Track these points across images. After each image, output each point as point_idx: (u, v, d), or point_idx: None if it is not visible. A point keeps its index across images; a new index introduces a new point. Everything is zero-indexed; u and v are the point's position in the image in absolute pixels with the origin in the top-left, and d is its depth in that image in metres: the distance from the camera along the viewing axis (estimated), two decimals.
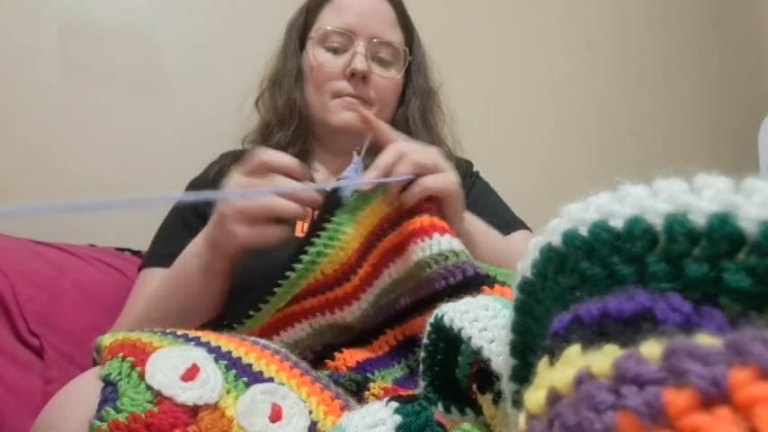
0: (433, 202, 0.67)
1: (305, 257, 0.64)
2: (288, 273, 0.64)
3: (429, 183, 0.65)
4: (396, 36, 0.94)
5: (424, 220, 0.66)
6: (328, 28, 0.91)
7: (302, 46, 0.97)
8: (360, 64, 0.88)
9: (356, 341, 0.70)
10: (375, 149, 0.68)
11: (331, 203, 0.65)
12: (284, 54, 0.99)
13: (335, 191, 0.65)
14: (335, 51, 0.91)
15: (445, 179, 0.67)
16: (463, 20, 1.46)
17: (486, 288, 0.60)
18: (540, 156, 1.51)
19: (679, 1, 1.76)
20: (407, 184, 0.66)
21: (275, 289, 0.64)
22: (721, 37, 1.80)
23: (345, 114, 0.90)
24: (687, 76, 1.73)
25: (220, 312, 0.68)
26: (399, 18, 0.96)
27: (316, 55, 0.92)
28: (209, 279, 0.69)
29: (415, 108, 0.97)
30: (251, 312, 0.64)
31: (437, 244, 0.64)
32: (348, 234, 0.66)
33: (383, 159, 0.65)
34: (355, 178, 0.65)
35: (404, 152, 0.65)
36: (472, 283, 0.61)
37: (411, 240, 0.66)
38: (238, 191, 0.64)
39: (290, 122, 0.94)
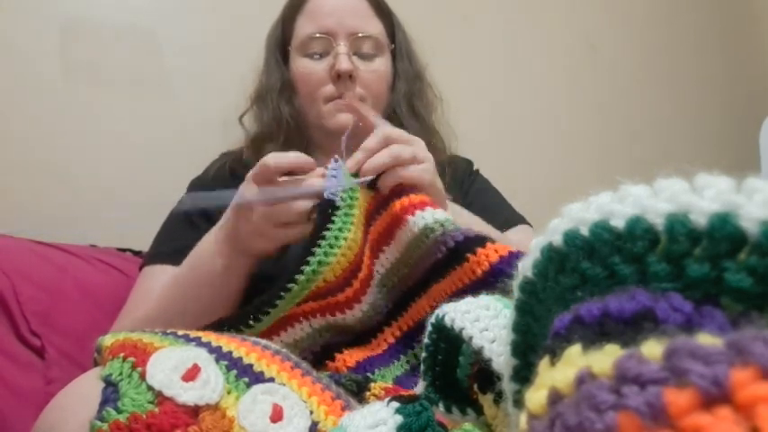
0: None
1: (306, 268, 0.63)
2: (290, 284, 0.63)
3: (402, 173, 0.68)
4: (374, 26, 0.93)
5: (403, 201, 0.67)
6: (306, 35, 0.90)
7: (285, 59, 0.96)
8: (344, 64, 0.87)
9: (355, 340, 0.70)
10: (362, 137, 0.70)
11: (324, 209, 0.65)
12: (267, 68, 0.98)
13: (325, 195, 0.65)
14: (319, 56, 0.90)
15: (418, 172, 0.68)
16: (464, 19, 1.46)
17: (470, 255, 0.61)
18: (541, 155, 1.51)
19: (681, 1, 1.76)
20: (383, 173, 0.67)
21: (277, 301, 0.64)
22: (722, 37, 1.80)
23: (341, 117, 0.89)
24: (688, 77, 1.73)
25: (221, 318, 0.68)
26: (374, 6, 0.94)
27: (299, 65, 0.92)
28: (233, 278, 0.71)
29: (401, 94, 0.96)
30: (251, 323, 0.64)
31: (421, 219, 0.64)
32: (350, 238, 0.65)
33: (369, 142, 0.68)
34: (337, 180, 0.65)
35: (388, 137, 0.68)
36: (465, 246, 0.62)
37: (396, 226, 0.67)
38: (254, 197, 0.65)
39: (278, 135, 0.93)
